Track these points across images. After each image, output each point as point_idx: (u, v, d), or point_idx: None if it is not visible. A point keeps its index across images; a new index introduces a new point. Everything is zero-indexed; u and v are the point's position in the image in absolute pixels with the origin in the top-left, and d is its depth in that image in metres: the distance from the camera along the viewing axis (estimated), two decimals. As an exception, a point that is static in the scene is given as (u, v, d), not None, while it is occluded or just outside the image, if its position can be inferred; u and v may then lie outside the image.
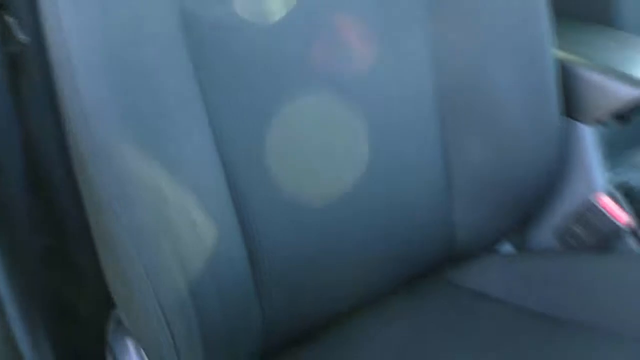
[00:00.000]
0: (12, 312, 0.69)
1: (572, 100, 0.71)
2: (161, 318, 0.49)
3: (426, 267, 0.72)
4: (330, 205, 0.58)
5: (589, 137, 0.73)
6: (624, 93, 0.72)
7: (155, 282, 0.48)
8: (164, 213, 0.48)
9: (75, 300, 0.74)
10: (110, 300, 0.61)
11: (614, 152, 0.82)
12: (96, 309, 0.68)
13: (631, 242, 0.72)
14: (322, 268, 0.59)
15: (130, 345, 0.57)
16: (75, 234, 0.69)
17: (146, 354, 0.55)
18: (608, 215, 0.69)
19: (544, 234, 0.77)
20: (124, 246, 0.48)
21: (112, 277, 0.57)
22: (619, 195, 0.73)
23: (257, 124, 0.55)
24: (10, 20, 0.60)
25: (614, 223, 0.69)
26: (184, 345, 0.50)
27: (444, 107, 0.65)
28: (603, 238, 0.71)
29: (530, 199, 0.71)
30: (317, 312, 0.62)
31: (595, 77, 0.71)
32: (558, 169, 0.72)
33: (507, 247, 0.80)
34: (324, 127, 0.58)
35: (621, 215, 0.69)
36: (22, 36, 0.60)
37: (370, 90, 0.60)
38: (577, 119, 0.73)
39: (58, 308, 0.74)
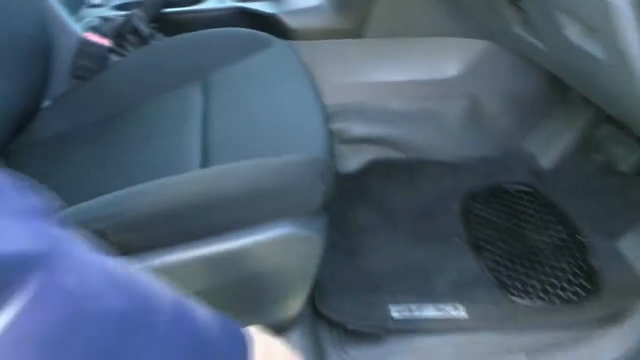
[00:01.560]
0: None
1: None
2: None
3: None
4: None
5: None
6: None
7: None
8: None
9: None
10: None
11: (73, 10, 1.20)
12: None
13: (113, 55, 1.13)
14: None
15: None
16: None
17: None
18: (97, 42, 1.08)
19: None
20: None
21: None
22: (96, 30, 1.12)
23: None
24: None
25: (102, 46, 1.09)
26: None
27: None
28: (100, 60, 1.11)
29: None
30: None
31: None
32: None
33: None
34: None
35: (103, 40, 1.09)
36: None
37: None
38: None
39: None
